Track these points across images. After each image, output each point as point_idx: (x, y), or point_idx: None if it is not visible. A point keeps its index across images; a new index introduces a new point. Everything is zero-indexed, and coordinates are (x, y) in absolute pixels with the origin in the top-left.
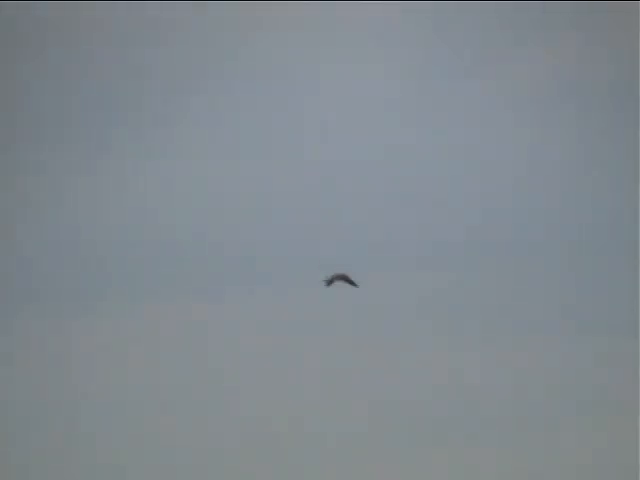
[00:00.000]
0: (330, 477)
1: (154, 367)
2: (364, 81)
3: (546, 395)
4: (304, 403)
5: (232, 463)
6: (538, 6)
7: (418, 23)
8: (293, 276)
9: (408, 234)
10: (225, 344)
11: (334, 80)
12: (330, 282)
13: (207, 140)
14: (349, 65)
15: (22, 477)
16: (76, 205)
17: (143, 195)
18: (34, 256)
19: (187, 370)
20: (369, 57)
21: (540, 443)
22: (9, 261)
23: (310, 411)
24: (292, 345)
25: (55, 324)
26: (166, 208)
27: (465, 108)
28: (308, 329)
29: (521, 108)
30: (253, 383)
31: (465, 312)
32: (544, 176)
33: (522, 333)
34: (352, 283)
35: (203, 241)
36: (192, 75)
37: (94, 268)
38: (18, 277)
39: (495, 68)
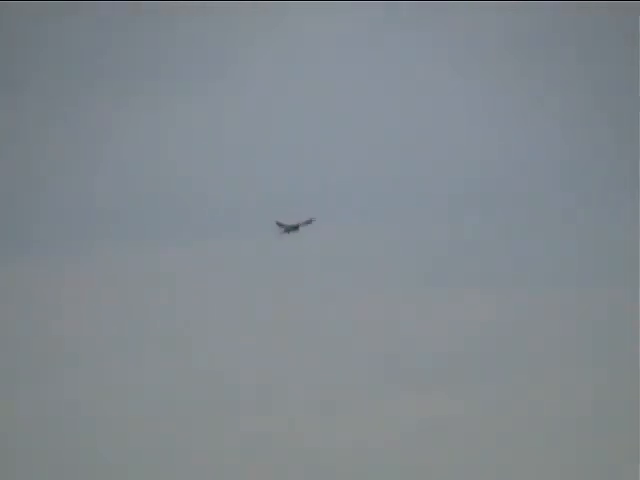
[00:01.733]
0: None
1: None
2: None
3: (546, 333)
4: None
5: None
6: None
7: None
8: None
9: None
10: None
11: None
12: (288, 229)
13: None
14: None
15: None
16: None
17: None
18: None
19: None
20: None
21: (540, 379)
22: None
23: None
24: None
25: (51, 264)
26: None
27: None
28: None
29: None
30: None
31: (469, 254)
32: (538, 129)
33: (522, 276)
34: (294, 227)
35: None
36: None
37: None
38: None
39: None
